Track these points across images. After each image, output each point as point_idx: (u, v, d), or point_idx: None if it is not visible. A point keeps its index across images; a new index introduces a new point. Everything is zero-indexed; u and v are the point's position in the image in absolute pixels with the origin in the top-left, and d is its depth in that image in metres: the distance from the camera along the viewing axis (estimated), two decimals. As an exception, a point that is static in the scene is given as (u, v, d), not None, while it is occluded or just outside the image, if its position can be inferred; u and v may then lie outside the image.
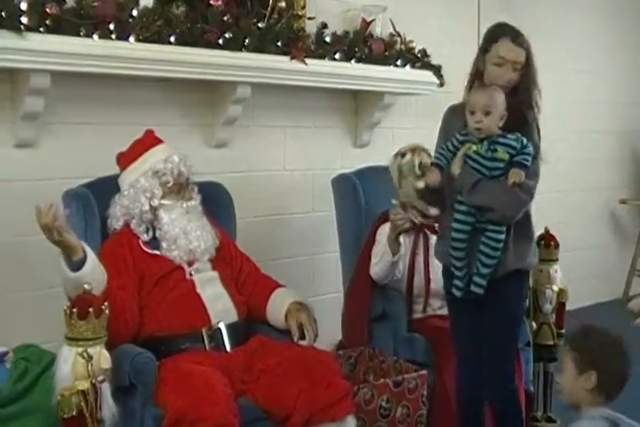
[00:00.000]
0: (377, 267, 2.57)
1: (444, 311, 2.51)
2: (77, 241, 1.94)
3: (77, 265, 1.92)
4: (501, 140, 2.05)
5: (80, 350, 1.75)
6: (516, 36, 2.11)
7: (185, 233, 2.19)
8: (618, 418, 1.71)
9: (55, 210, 1.85)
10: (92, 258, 1.96)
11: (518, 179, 2.01)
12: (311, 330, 2.17)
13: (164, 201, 2.21)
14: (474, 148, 2.06)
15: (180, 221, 2.20)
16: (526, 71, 2.11)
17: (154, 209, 2.21)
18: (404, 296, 2.63)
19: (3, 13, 2.07)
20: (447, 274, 2.23)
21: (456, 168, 2.08)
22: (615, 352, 1.74)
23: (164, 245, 2.19)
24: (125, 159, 2.28)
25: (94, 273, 1.95)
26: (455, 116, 2.20)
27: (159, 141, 2.30)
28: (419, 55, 3.24)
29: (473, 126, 2.06)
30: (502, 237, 2.08)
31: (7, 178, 2.36)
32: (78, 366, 1.74)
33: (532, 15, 4.09)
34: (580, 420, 1.74)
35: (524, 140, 2.06)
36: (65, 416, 1.71)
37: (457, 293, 2.16)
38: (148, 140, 2.29)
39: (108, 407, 1.77)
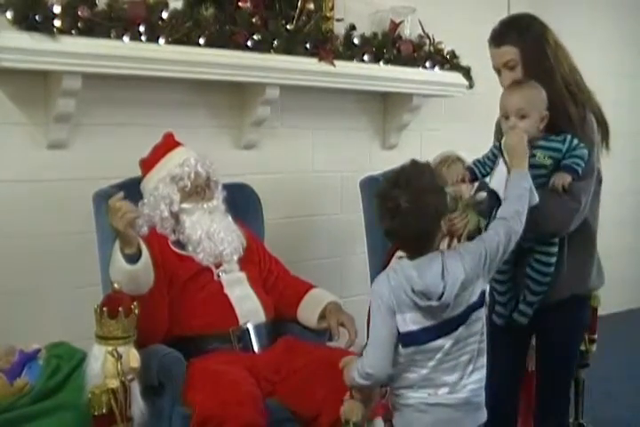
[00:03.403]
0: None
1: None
2: (137, 236, 1.97)
3: (131, 258, 1.94)
4: (541, 142, 1.82)
5: (110, 348, 1.77)
6: (495, 37, 1.95)
7: (209, 236, 2.19)
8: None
9: (129, 203, 1.89)
10: (146, 255, 1.98)
11: (561, 183, 1.78)
12: (353, 331, 2.16)
13: (183, 205, 2.21)
14: (504, 162, 1.82)
15: (203, 222, 2.20)
16: (530, 61, 1.89)
17: (175, 214, 2.22)
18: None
19: (37, 17, 2.10)
20: (488, 299, 1.93)
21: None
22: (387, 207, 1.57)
23: (189, 247, 2.20)
24: (145, 166, 2.30)
25: (147, 269, 1.99)
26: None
27: (177, 145, 2.30)
28: (448, 57, 3.22)
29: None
30: (553, 260, 1.85)
31: (40, 178, 2.39)
32: (108, 364, 1.76)
33: (562, 16, 4.05)
34: None
35: (575, 141, 1.81)
36: (95, 414, 1.73)
37: (498, 320, 1.92)
38: (166, 145, 2.30)
39: (138, 406, 1.78)
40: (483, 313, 1.62)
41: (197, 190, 2.23)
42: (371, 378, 1.62)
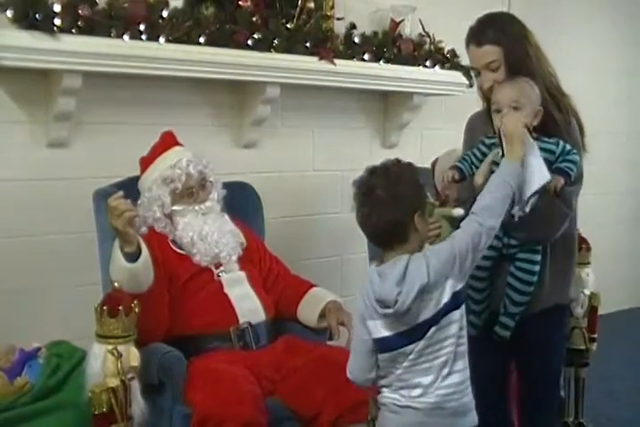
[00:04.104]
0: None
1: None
2: (136, 235, 1.97)
3: (130, 257, 1.94)
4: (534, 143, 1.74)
5: (110, 347, 1.77)
6: (475, 35, 1.84)
7: (201, 238, 2.18)
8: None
9: (128, 202, 1.89)
10: (146, 253, 1.98)
11: (554, 185, 1.70)
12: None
13: (175, 207, 2.21)
14: (501, 152, 1.73)
15: (195, 224, 2.20)
16: (514, 62, 1.79)
17: (168, 216, 2.21)
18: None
19: (37, 15, 2.10)
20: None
21: (479, 178, 1.75)
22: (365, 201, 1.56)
23: (185, 248, 2.20)
24: (142, 165, 2.30)
25: (147, 268, 1.98)
26: (479, 121, 1.94)
27: (173, 144, 2.29)
28: (448, 56, 3.21)
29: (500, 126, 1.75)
30: (537, 268, 1.77)
31: (40, 177, 2.39)
32: (108, 363, 1.76)
33: (562, 16, 4.05)
34: None
35: (567, 146, 1.75)
36: (96, 412, 1.73)
37: (471, 331, 1.79)
38: (162, 145, 2.29)
39: (138, 405, 1.78)
40: (458, 315, 1.56)
41: (188, 193, 2.22)
42: (354, 382, 1.64)
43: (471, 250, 1.56)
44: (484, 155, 1.80)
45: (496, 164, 1.73)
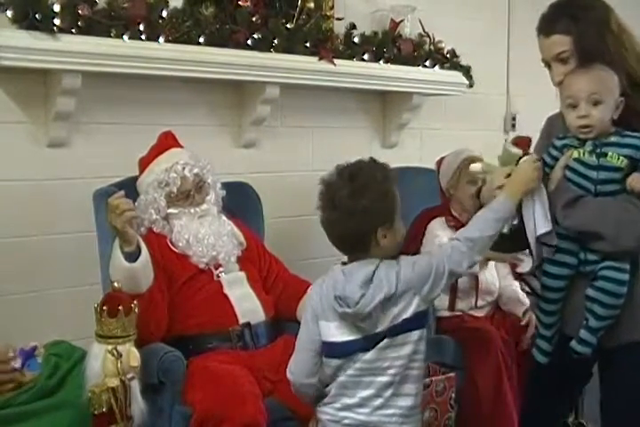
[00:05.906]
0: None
1: (479, 312, 2.52)
2: (136, 235, 1.97)
3: (130, 256, 1.95)
4: (614, 139, 1.53)
5: (110, 347, 1.77)
6: (545, 24, 1.65)
7: (197, 240, 2.18)
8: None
9: (129, 201, 1.90)
10: (145, 253, 1.98)
11: (637, 186, 1.47)
12: None
13: (170, 210, 2.21)
14: (575, 154, 1.54)
15: (191, 227, 2.20)
16: (585, 53, 1.58)
17: (164, 218, 2.22)
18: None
19: (37, 15, 2.10)
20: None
21: (551, 185, 1.55)
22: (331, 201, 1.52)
23: (183, 249, 2.20)
24: (140, 166, 2.30)
25: (146, 268, 1.99)
26: (560, 122, 1.67)
27: (170, 146, 2.29)
28: (448, 56, 3.21)
29: (577, 124, 1.53)
30: (626, 277, 1.50)
31: (40, 177, 2.39)
32: (108, 363, 1.76)
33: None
34: None
35: None
36: (95, 412, 1.73)
37: (540, 358, 1.63)
38: (159, 147, 2.29)
39: (137, 405, 1.78)
40: (417, 337, 1.51)
41: (184, 196, 2.22)
42: (293, 385, 1.58)
43: (447, 274, 1.50)
44: (555, 159, 1.58)
45: (570, 169, 1.55)
